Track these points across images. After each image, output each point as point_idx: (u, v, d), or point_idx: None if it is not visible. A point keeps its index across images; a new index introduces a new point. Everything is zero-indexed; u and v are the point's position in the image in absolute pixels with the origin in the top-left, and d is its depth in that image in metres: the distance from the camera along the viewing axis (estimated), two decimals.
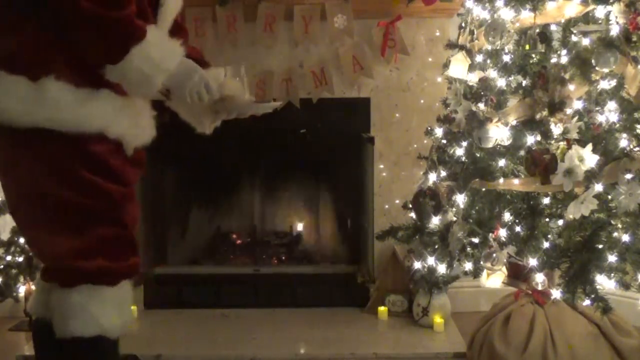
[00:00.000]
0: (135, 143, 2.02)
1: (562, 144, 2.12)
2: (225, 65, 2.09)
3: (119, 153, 1.92)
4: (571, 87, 2.13)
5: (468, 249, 2.37)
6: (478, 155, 2.37)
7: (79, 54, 1.81)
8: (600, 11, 2.16)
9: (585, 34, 2.12)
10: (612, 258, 2.09)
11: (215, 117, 2.11)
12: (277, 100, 2.98)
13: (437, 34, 3.00)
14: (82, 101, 1.82)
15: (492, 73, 2.34)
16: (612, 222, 2.15)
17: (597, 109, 2.16)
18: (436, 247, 2.47)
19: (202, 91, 1.91)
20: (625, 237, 2.10)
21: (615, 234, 2.13)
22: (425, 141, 2.81)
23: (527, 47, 2.28)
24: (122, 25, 1.76)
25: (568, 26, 2.27)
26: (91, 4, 1.71)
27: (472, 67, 2.42)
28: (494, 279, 2.31)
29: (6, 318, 3.06)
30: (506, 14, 2.29)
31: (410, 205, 2.61)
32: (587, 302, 2.11)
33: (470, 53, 2.43)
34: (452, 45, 2.53)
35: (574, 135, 2.10)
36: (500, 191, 2.33)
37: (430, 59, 3.01)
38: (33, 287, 2.72)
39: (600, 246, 2.11)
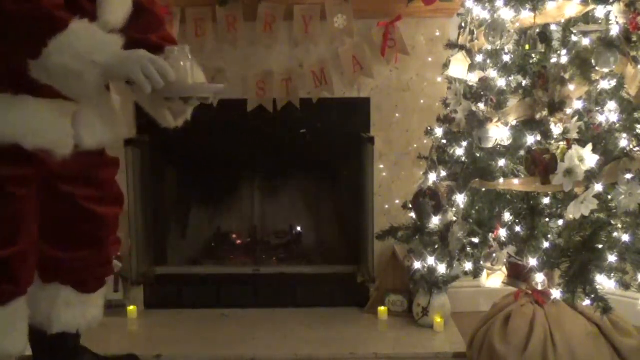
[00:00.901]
0: (88, 145, 1.95)
1: (562, 144, 2.12)
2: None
3: (21, 176, 1.85)
4: (571, 87, 2.12)
5: (468, 249, 2.37)
6: (478, 155, 2.36)
7: None
8: (600, 11, 2.16)
9: (585, 34, 2.12)
10: (612, 258, 2.09)
11: (168, 105, 1.95)
12: (277, 100, 3.00)
13: (437, 34, 3.00)
14: None
15: (492, 73, 2.34)
16: (612, 222, 2.15)
17: (597, 109, 2.16)
18: (436, 247, 2.47)
19: (150, 68, 1.71)
20: (625, 237, 2.10)
21: (615, 234, 2.13)
22: (425, 141, 2.81)
23: (527, 47, 2.28)
24: (37, 18, 1.66)
25: (568, 26, 2.26)
26: None
27: (472, 67, 2.42)
28: (494, 279, 2.31)
29: None
30: (506, 14, 2.28)
31: (410, 205, 2.60)
32: (587, 302, 2.11)
33: (470, 53, 2.43)
34: (452, 45, 2.53)
35: (574, 135, 2.10)
36: (500, 191, 2.33)
37: (430, 59, 3.01)
38: None
39: (600, 246, 2.11)
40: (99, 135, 2.00)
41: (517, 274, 2.36)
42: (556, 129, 2.14)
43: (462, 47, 2.45)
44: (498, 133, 2.26)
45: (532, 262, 2.18)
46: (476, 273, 2.33)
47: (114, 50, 1.76)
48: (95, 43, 1.73)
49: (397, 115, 3.06)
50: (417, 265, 2.58)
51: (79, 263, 2.16)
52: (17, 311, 1.97)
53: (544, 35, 2.26)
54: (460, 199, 2.37)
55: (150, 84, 1.72)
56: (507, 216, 2.29)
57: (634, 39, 2.07)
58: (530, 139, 2.18)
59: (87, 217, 2.11)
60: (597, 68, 2.07)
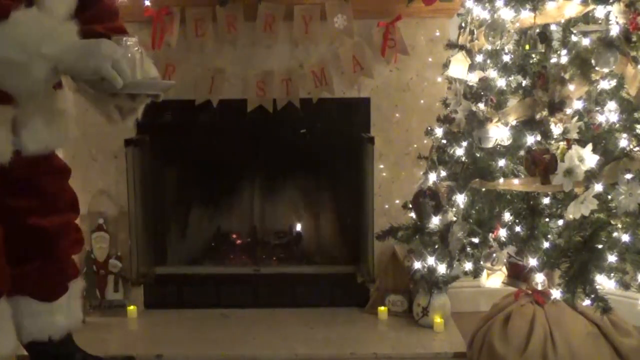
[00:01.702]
0: (32, 150, 1.84)
1: (562, 144, 2.12)
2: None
3: None
4: (571, 87, 2.12)
5: (468, 249, 2.37)
6: (478, 155, 2.36)
7: None
8: (600, 11, 2.15)
9: (585, 34, 2.12)
10: (612, 258, 2.09)
11: (115, 102, 1.79)
12: (277, 100, 2.99)
13: (437, 34, 3.00)
14: None
15: (492, 73, 2.34)
16: (612, 222, 2.14)
17: (597, 109, 2.16)
18: (436, 247, 2.47)
19: (109, 69, 1.57)
20: (625, 237, 2.10)
21: (615, 234, 2.12)
22: (425, 141, 2.81)
23: (527, 47, 2.28)
24: None
25: (568, 26, 2.26)
26: None
27: (472, 67, 2.42)
28: (494, 279, 2.31)
29: None
30: (506, 14, 2.28)
31: (410, 205, 2.60)
32: (587, 302, 2.11)
33: (470, 53, 2.43)
34: (452, 45, 2.53)
35: (574, 135, 2.10)
36: (500, 191, 2.33)
37: (430, 59, 3.01)
38: None
39: (600, 246, 2.11)
40: (45, 139, 1.89)
41: (517, 274, 2.36)
42: (556, 129, 2.14)
43: (462, 47, 2.45)
44: (498, 133, 2.26)
45: (532, 262, 2.18)
46: (476, 273, 2.33)
47: (67, 40, 1.61)
48: (44, 33, 1.58)
49: (397, 115, 3.06)
50: (417, 265, 2.58)
51: (32, 275, 2.10)
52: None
53: (544, 35, 2.26)
54: (460, 199, 2.36)
55: (121, 80, 1.59)
56: (507, 216, 2.29)
57: (634, 39, 2.07)
58: (530, 139, 2.18)
59: (31, 231, 2.04)
60: (597, 68, 2.07)
